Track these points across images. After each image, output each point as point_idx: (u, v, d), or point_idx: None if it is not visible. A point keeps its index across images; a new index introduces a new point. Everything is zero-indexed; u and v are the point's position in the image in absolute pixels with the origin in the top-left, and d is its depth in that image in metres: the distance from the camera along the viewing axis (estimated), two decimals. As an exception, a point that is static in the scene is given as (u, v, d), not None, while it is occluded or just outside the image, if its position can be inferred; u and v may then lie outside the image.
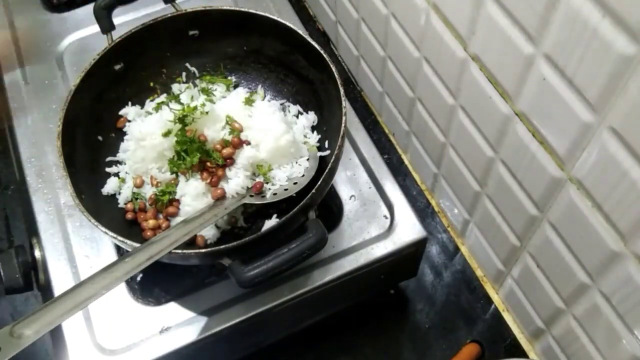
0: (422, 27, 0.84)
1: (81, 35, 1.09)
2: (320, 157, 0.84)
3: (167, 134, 0.81)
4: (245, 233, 0.83)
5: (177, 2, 0.91)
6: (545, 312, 0.85)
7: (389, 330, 0.98)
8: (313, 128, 0.88)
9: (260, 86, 0.94)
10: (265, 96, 0.93)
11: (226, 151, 0.80)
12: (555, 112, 0.63)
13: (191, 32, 0.92)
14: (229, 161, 0.81)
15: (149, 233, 0.80)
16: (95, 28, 1.08)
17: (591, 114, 0.59)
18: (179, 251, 0.70)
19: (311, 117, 0.89)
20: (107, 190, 0.84)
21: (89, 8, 1.11)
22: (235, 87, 0.94)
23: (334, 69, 0.81)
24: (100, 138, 0.87)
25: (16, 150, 0.97)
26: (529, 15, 0.61)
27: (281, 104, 0.91)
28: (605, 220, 0.63)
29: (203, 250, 0.72)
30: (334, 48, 1.27)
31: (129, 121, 0.89)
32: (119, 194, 0.84)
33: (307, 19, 1.32)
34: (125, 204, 0.83)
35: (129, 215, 0.82)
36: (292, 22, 0.86)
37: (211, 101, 0.85)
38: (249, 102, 0.87)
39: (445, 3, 0.76)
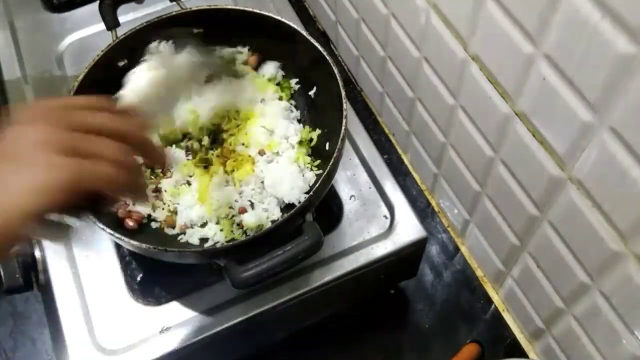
0: (422, 27, 0.84)
1: (81, 35, 1.09)
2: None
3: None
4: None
5: (182, 0, 0.91)
6: (545, 312, 0.85)
7: (389, 330, 0.98)
8: (315, 126, 0.89)
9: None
10: None
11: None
12: (555, 112, 0.63)
13: (196, 31, 0.92)
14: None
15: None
16: (95, 28, 1.09)
17: (591, 114, 0.59)
18: (175, 250, 0.70)
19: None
20: None
21: (89, 8, 1.12)
22: None
23: (336, 71, 0.81)
24: None
25: (16, 150, 0.96)
26: (529, 15, 0.61)
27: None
28: (605, 220, 0.63)
29: (199, 249, 0.72)
30: (334, 48, 1.27)
31: None
32: None
33: (307, 19, 1.32)
34: None
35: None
36: (292, 22, 0.86)
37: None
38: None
39: (445, 3, 0.76)
